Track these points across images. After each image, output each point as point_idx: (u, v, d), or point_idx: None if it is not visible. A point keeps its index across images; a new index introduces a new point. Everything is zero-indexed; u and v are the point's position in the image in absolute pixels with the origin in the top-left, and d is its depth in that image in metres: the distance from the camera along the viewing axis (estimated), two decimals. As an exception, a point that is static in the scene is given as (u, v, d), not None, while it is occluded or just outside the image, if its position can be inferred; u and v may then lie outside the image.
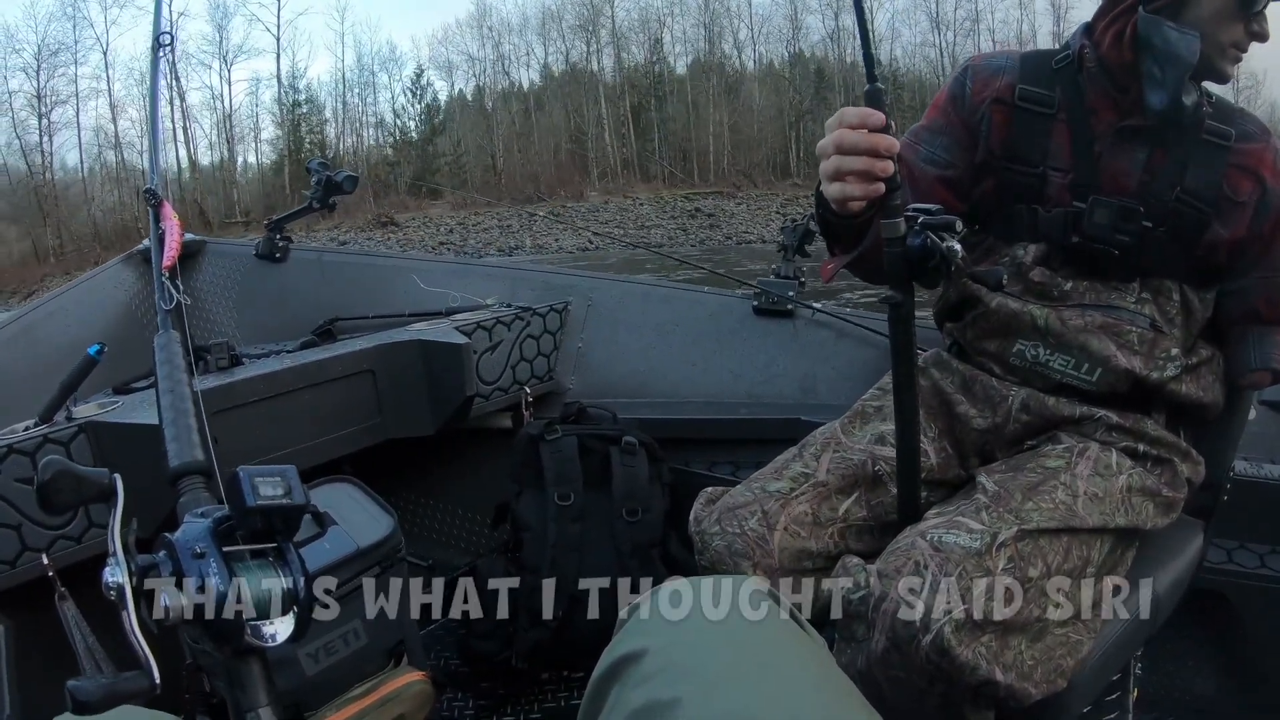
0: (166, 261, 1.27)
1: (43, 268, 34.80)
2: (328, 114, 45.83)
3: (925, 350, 1.64)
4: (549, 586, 1.87)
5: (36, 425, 1.60)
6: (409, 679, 1.60)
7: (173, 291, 1.19)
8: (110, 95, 41.15)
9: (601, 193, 40.92)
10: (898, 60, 45.80)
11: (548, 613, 1.86)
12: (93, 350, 1.72)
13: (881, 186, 1.14)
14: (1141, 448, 1.40)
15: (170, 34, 1.47)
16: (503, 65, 47.38)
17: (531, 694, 1.95)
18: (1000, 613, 1.13)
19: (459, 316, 2.24)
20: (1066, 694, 1.20)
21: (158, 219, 1.36)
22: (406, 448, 2.10)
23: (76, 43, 40.59)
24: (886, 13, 45.18)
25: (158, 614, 0.59)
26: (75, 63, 40.61)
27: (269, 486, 0.60)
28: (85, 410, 1.65)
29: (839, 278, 1.41)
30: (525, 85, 47.92)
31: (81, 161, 41.15)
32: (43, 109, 38.85)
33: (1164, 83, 1.33)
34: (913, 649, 1.11)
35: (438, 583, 2.15)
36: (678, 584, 0.81)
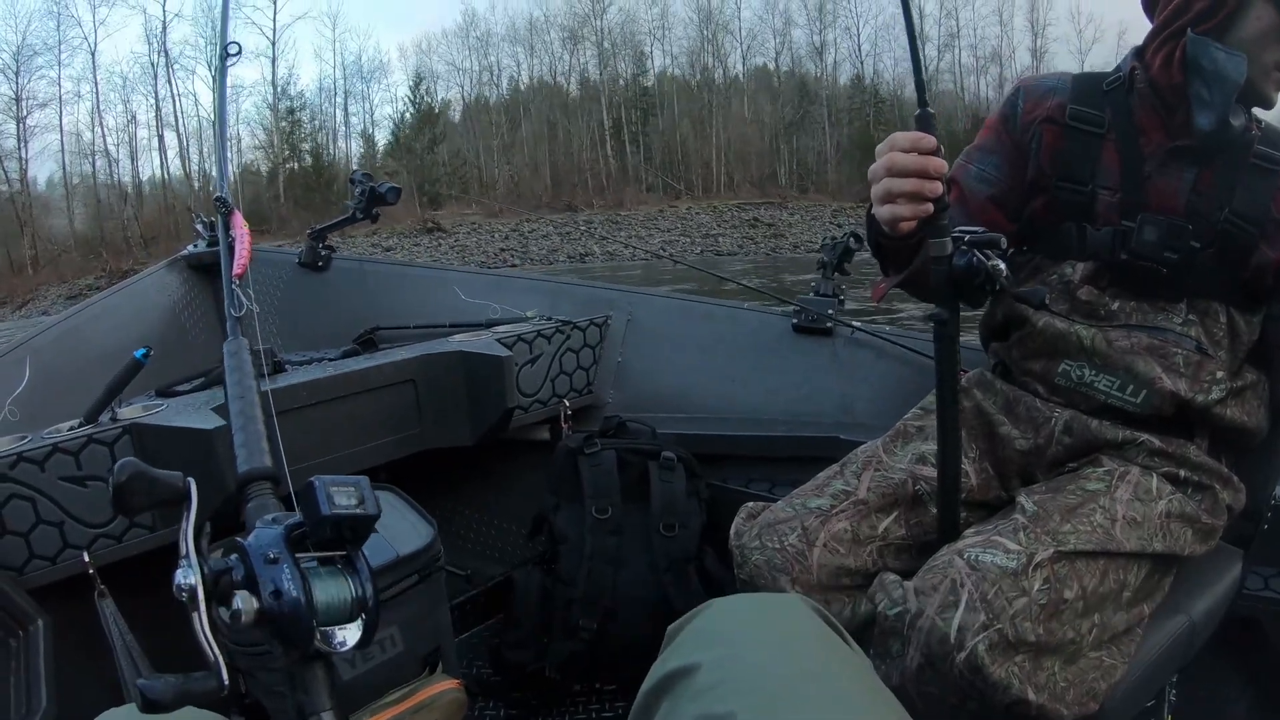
0: (237, 269, 1.29)
1: (36, 277, 34.90)
2: (319, 122, 46.01)
3: (968, 371, 1.65)
4: (585, 599, 1.89)
5: (81, 425, 1.63)
6: (443, 687, 1.61)
7: (243, 299, 1.21)
8: (96, 99, 40.73)
9: (635, 202, 41.06)
10: (881, 74, 46.11)
11: (583, 624, 1.88)
12: (139, 354, 1.75)
13: (930, 207, 1.17)
14: (1183, 473, 1.40)
15: (238, 44, 1.49)
16: (497, 73, 47.66)
17: (564, 705, 1.95)
18: (1034, 633, 1.13)
19: (500, 329, 2.25)
20: (1099, 717, 1.19)
21: (227, 227, 1.38)
22: (444, 457, 2.12)
23: (60, 43, 40.04)
24: (869, 29, 45.44)
25: (230, 617, 0.60)
26: (59, 64, 40.07)
27: (343, 496, 0.62)
28: (130, 412, 1.68)
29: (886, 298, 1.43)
30: (515, 90, 48.18)
31: (65, 168, 40.93)
32: (21, 113, 38.38)
33: (1211, 103, 1.34)
34: (946, 666, 1.12)
35: (474, 592, 2.16)
36: (727, 601, 0.81)
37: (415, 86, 47.26)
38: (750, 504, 1.48)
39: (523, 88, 48.12)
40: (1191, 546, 1.36)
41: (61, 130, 40.35)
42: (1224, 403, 1.40)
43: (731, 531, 1.45)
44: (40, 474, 1.50)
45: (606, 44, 47.56)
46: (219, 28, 1.58)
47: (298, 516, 0.64)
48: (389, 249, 31.06)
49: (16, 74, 38.52)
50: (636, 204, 40.83)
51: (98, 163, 41.63)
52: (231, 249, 1.32)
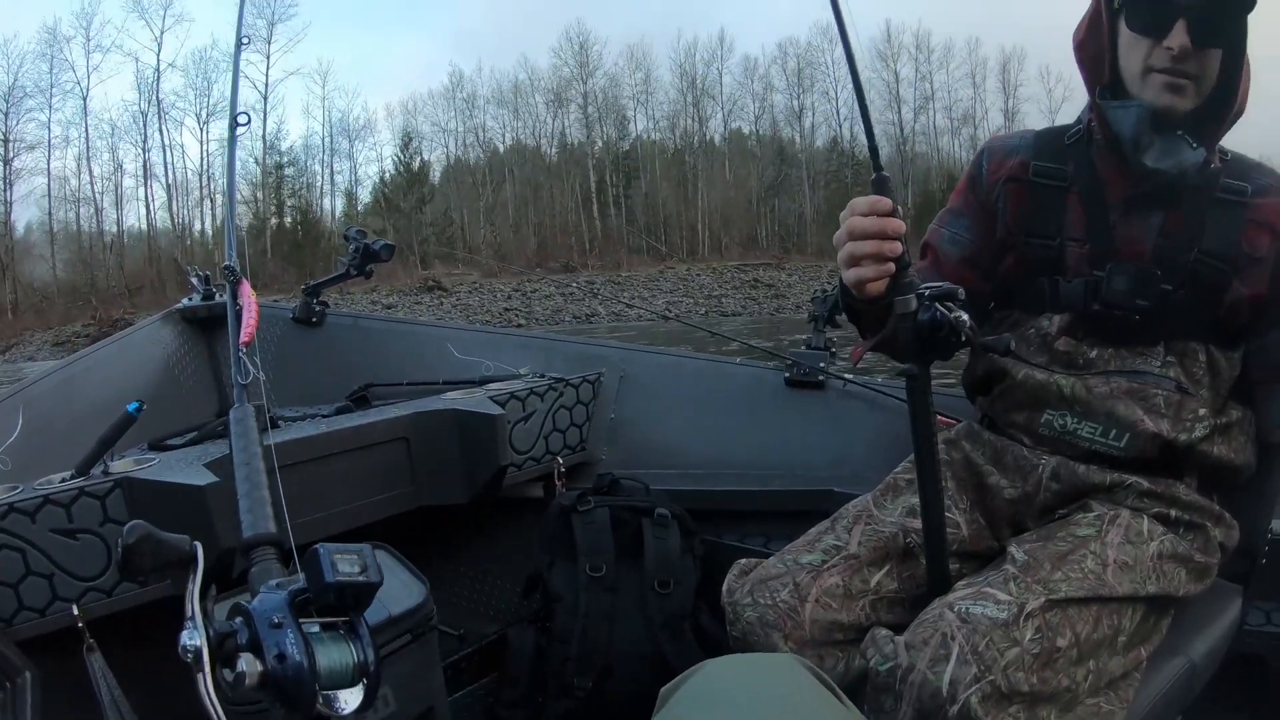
0: (244, 337, 1.31)
1: (18, 322, 34.86)
2: (305, 179, 46.45)
3: (959, 422, 1.66)
4: (580, 657, 1.88)
5: (73, 477, 1.64)
6: (438, 748, 1.60)
7: (249, 367, 1.22)
8: (86, 145, 41.15)
9: (630, 264, 41.40)
10: (858, 135, 47.04)
11: (578, 683, 1.87)
12: (132, 408, 1.76)
13: (893, 267, 1.20)
14: (1174, 513, 1.41)
15: (248, 114, 1.53)
16: (482, 135, 48.26)
17: None
18: (1028, 683, 1.14)
19: (493, 386, 2.27)
20: None
21: (235, 295, 1.40)
22: (438, 514, 2.12)
23: (52, 86, 40.60)
24: (846, 91, 46.45)
25: (234, 679, 0.61)
26: (49, 106, 40.50)
27: (347, 564, 0.63)
28: (122, 465, 1.68)
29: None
30: (495, 154, 48.63)
31: (50, 213, 40.96)
32: (9, 154, 38.71)
33: (1132, 157, 1.38)
34: None
35: (468, 650, 2.15)
36: (720, 662, 0.82)
37: (405, 146, 47.78)
38: (743, 560, 1.49)
39: (502, 150, 48.80)
40: (1187, 586, 1.37)
41: (49, 174, 40.55)
42: (1209, 440, 1.42)
43: (724, 588, 1.45)
44: (31, 525, 1.50)
45: (591, 109, 48.29)
46: (230, 95, 1.61)
47: (301, 582, 0.65)
48: (390, 306, 31.18)
49: (5, 115, 38.98)
50: (635, 265, 41.19)
51: (81, 210, 41.88)
52: (239, 316, 1.34)
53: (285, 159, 44.60)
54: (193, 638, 0.61)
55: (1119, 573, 1.28)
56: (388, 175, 47.87)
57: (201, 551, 0.68)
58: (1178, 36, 1.32)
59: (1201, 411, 1.41)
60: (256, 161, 42.84)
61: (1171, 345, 1.43)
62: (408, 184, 47.07)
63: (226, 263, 1.47)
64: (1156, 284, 1.40)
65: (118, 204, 42.78)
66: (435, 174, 48.89)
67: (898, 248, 1.19)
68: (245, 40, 1.87)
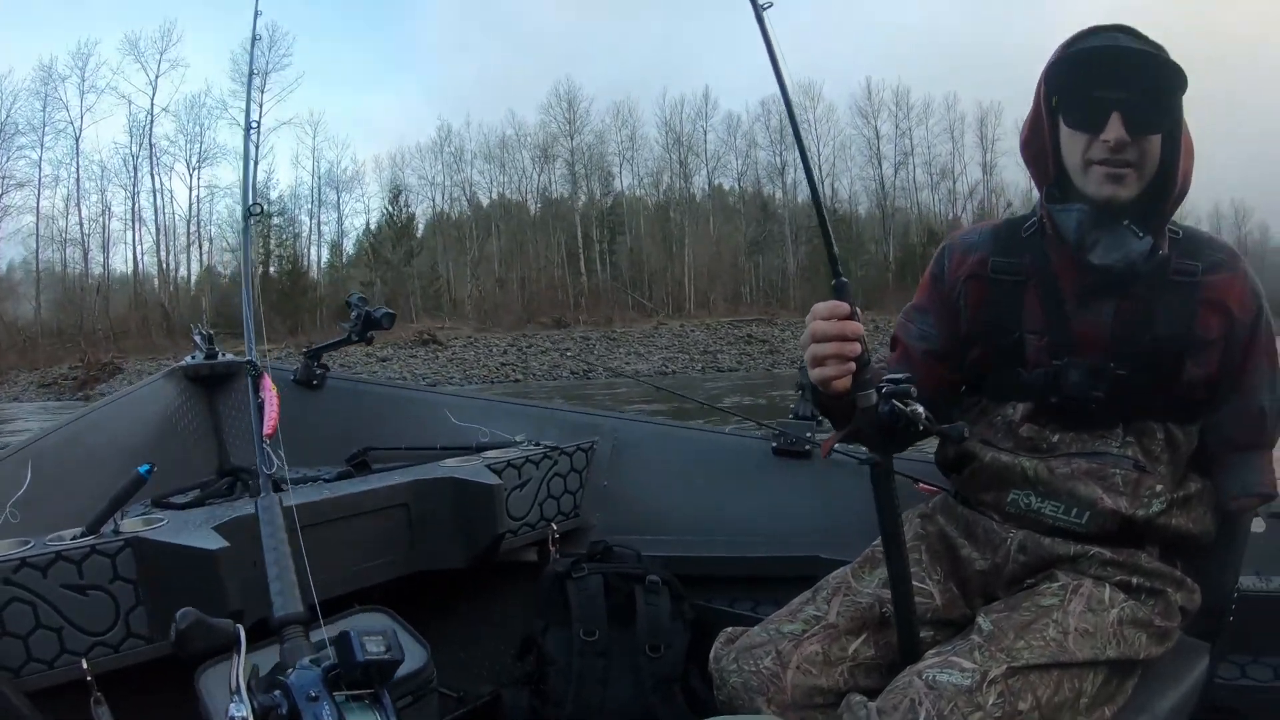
0: (267, 429, 1.38)
1: (3, 360, 34.64)
2: (294, 229, 46.47)
3: (942, 492, 1.74)
4: (573, 718, 1.94)
5: (84, 534, 1.69)
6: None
7: (274, 459, 1.29)
8: (78, 186, 41.19)
9: (623, 319, 41.51)
10: (839, 192, 48.26)
11: (571, 745, 1.92)
12: (143, 470, 1.83)
13: (854, 365, 1.29)
14: (1135, 580, 1.47)
15: (260, 205, 1.59)
16: (469, 189, 48.75)
17: None
18: None
19: (489, 454, 2.34)
20: None
21: (257, 389, 1.47)
22: (436, 578, 2.18)
23: (44, 125, 40.80)
24: (829, 146, 47.54)
25: None
26: (41, 145, 40.75)
27: (374, 644, 0.71)
28: (131, 525, 1.74)
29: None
30: (478, 208, 49.04)
31: (38, 252, 40.84)
32: None
33: (1081, 252, 1.46)
34: None
35: (463, 711, 2.20)
36: None
37: (395, 199, 48.05)
38: (729, 629, 1.56)
39: (485, 205, 49.26)
40: (1148, 649, 1.44)
41: (38, 212, 40.36)
42: (1167, 514, 1.49)
43: (711, 655, 1.52)
44: (42, 580, 1.56)
45: (579, 166, 48.81)
46: (241, 187, 1.67)
47: (332, 659, 0.73)
48: (385, 359, 31.08)
49: (-3, 151, 38.59)
50: (625, 321, 41.30)
51: (68, 251, 41.77)
52: (261, 409, 1.41)
53: (274, 208, 44.67)
54: (240, 709, 0.69)
55: (1079, 639, 1.36)
56: (374, 226, 48.13)
57: (244, 634, 0.75)
58: (1114, 129, 1.40)
59: (1159, 487, 1.49)
60: (242, 207, 42.66)
61: (1130, 426, 1.51)
62: (396, 237, 47.32)
63: (248, 358, 1.54)
64: (1110, 375, 1.48)
65: (104, 247, 42.83)
66: (420, 226, 49.32)
67: (857, 348, 1.29)
68: (255, 124, 1.90)
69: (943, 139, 50.74)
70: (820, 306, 1.32)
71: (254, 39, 1.75)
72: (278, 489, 1.25)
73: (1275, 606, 1.77)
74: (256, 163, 1.71)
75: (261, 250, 43.02)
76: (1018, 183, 47.47)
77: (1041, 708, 1.28)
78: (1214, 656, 1.60)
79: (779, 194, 51.35)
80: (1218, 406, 1.53)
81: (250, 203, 1.61)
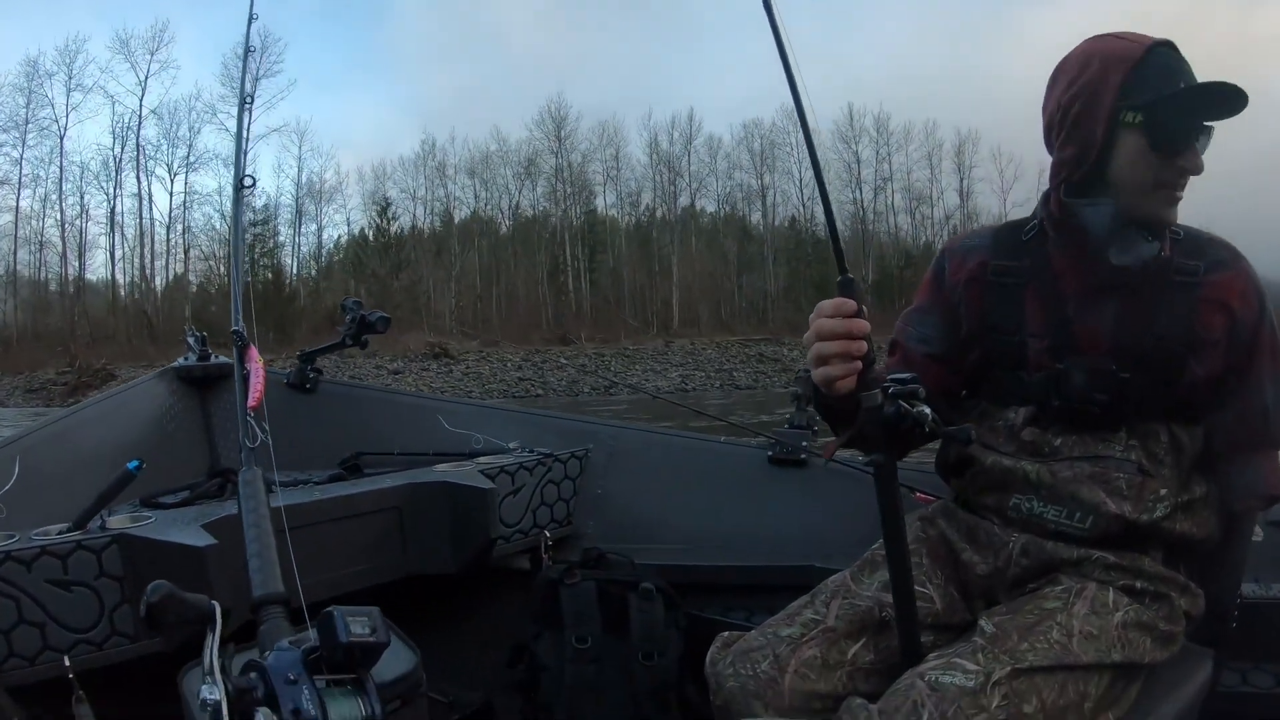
0: (251, 401, 1.35)
1: None
2: (282, 238, 46.50)
3: (938, 498, 1.72)
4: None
5: (70, 530, 1.67)
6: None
7: (258, 431, 1.27)
8: (61, 187, 40.70)
9: (614, 339, 41.71)
10: (818, 215, 48.03)
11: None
12: (132, 466, 1.80)
13: (860, 365, 1.27)
14: (1139, 584, 1.45)
15: (253, 177, 1.57)
16: (450, 203, 48.91)
17: None
18: None
19: (483, 459, 2.31)
20: None
21: (242, 359, 1.44)
22: (427, 583, 2.15)
23: (28, 122, 40.33)
24: (809, 171, 47.57)
25: None
26: (23, 143, 40.29)
27: (359, 625, 0.68)
28: (118, 521, 1.72)
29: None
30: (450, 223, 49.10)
31: (14, 254, 40.50)
32: None
33: (1095, 252, 1.45)
34: None
35: (455, 718, 2.17)
36: None
37: (383, 211, 48.08)
38: (725, 633, 1.53)
39: (466, 219, 49.36)
40: (1152, 654, 1.41)
41: (17, 212, 40.03)
42: (1171, 518, 1.47)
43: (707, 659, 1.49)
44: (27, 574, 1.53)
45: (567, 186, 49.05)
46: (234, 159, 1.65)
47: (312, 640, 0.70)
48: (396, 372, 30.95)
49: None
50: (626, 338, 41.51)
51: (46, 254, 41.32)
52: (247, 380, 1.39)
53: (259, 216, 44.39)
54: (212, 692, 0.65)
55: (1084, 642, 1.33)
56: (360, 238, 48.14)
57: (219, 610, 0.72)
58: (1196, 160, 1.43)
59: (1163, 491, 1.47)
60: (225, 217, 42.07)
61: (1134, 428, 1.49)
62: (383, 249, 47.34)
63: (234, 327, 1.51)
64: (1113, 377, 1.46)
65: (80, 250, 42.55)
66: (403, 235, 49.28)
67: (863, 347, 1.27)
68: (249, 99, 1.88)
69: (921, 164, 51.39)
70: (826, 304, 1.30)
71: (250, 17, 1.72)
72: (258, 462, 1.21)
73: (1275, 613, 1.76)
74: (247, 138, 1.69)
75: (248, 259, 42.85)
76: (990, 208, 48.14)
77: (1046, 710, 1.25)
78: (1217, 662, 1.58)
79: (758, 217, 52.00)
80: (1222, 406, 1.51)
81: (242, 175, 1.58)
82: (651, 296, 47.96)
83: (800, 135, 1.33)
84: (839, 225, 1.35)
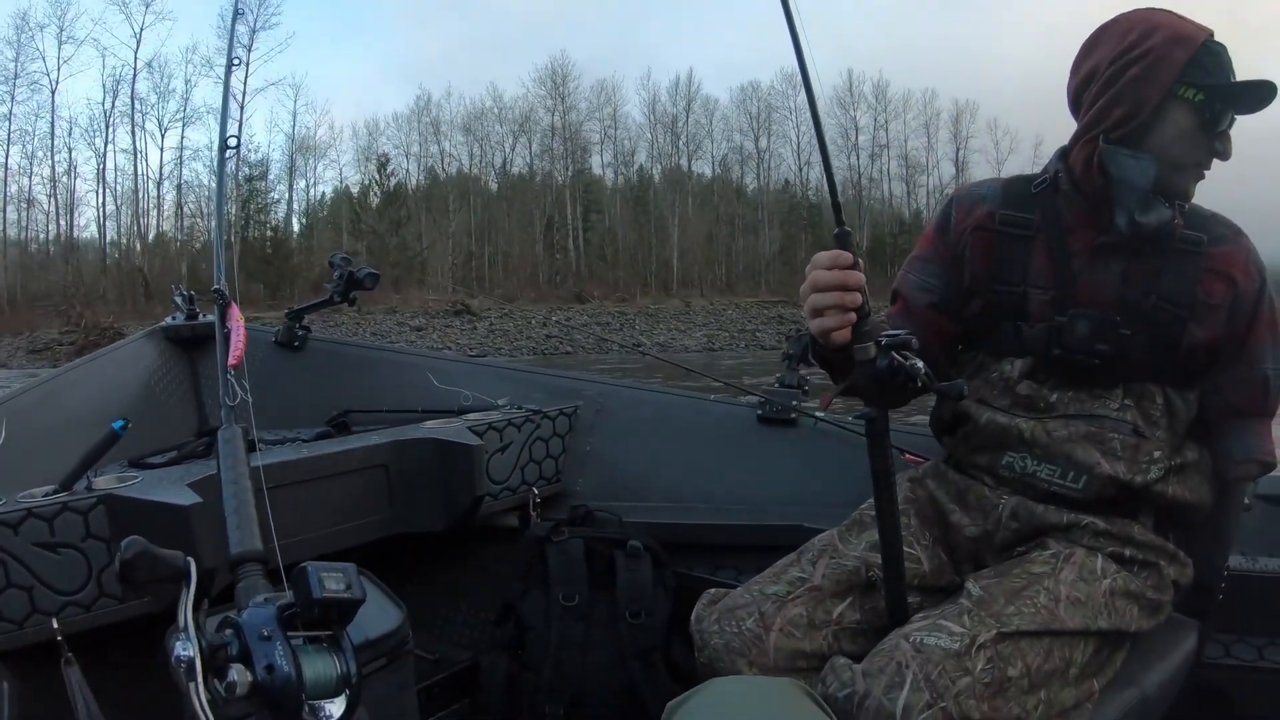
0: (232, 360, 1.34)
1: None
2: (278, 193, 46.21)
3: (927, 460, 1.72)
4: (551, 685, 1.91)
5: (56, 492, 1.65)
6: (410, 771, 1.62)
7: (237, 389, 1.25)
8: (52, 142, 40.50)
9: (654, 299, 41.80)
10: (812, 180, 49.10)
11: (549, 710, 1.89)
12: (117, 425, 1.78)
13: (855, 316, 1.27)
14: (1128, 552, 1.46)
15: (238, 137, 1.55)
16: (443, 159, 48.71)
17: None
18: (978, 710, 1.19)
19: (471, 416, 2.30)
20: None
21: (224, 318, 1.43)
22: (414, 541, 2.15)
23: (17, 76, 40.08)
24: (808, 135, 47.80)
25: (225, 689, 0.65)
26: (12, 97, 40.00)
27: (333, 581, 0.67)
28: (105, 482, 1.70)
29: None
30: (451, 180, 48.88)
31: (4, 210, 40.21)
32: None
33: (1124, 205, 1.44)
34: None
35: (441, 676, 2.17)
36: (726, 681, 0.86)
37: (382, 168, 47.69)
38: (711, 590, 1.53)
39: (464, 173, 48.99)
40: (1139, 622, 1.42)
41: (6, 169, 39.81)
42: (1164, 481, 1.47)
43: (693, 616, 1.49)
44: (13, 537, 1.51)
45: (559, 144, 48.83)
46: (219, 120, 1.63)
47: (288, 597, 0.69)
48: (419, 329, 30.79)
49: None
50: (634, 301, 41.63)
51: (33, 214, 41.27)
52: (227, 339, 1.37)
53: (254, 171, 44.03)
54: (186, 648, 0.65)
55: (1070, 608, 1.34)
56: (360, 192, 47.84)
57: (194, 567, 0.71)
58: (1230, 143, 1.47)
59: (1157, 454, 1.47)
60: (214, 175, 41.91)
61: (1130, 388, 1.49)
62: (383, 205, 47.04)
63: (215, 285, 1.49)
64: (1116, 330, 1.47)
65: (70, 207, 42.23)
66: (402, 189, 48.96)
67: (858, 298, 1.27)
68: (237, 61, 1.87)
69: (919, 133, 51.65)
70: (822, 256, 1.29)
71: None
72: (239, 420, 1.20)
73: (1261, 586, 1.76)
74: (237, 100, 1.66)
75: (241, 215, 42.47)
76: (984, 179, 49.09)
77: (1031, 675, 1.25)
78: (1203, 633, 1.59)
79: (753, 181, 52.16)
80: (1220, 373, 1.52)
81: (227, 135, 1.56)
82: (648, 256, 47.85)
83: (802, 97, 1.32)
84: (837, 185, 1.34)
